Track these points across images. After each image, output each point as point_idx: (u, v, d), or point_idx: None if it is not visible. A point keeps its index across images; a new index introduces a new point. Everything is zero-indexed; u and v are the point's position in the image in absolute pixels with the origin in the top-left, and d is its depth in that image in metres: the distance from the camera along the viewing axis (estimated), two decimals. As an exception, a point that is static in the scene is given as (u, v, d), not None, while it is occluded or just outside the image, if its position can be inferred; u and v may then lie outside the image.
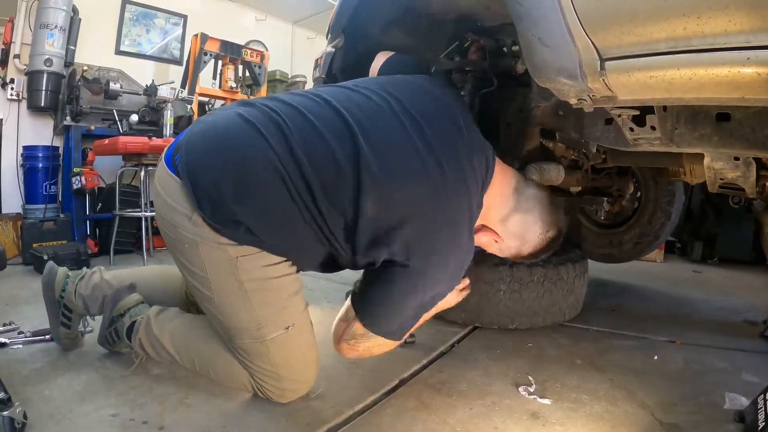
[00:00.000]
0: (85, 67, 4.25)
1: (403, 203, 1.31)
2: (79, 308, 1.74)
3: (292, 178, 1.29)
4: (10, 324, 1.97)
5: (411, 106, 1.41)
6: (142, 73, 4.97)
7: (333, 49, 2.07)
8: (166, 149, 1.47)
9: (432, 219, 1.34)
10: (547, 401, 1.54)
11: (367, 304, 1.41)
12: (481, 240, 1.56)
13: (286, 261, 1.43)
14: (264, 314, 1.40)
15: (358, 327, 1.41)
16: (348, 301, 1.47)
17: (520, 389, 1.62)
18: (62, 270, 1.78)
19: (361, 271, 1.48)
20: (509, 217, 1.53)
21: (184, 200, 1.34)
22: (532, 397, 1.58)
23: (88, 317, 1.82)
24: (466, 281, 1.67)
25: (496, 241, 1.56)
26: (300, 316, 1.49)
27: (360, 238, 1.33)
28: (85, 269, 1.82)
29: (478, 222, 1.49)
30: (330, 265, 1.48)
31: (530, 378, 1.69)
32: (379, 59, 1.83)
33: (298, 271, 1.49)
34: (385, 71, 1.76)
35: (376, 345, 1.44)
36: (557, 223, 1.60)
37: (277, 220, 1.33)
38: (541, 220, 1.55)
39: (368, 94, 1.43)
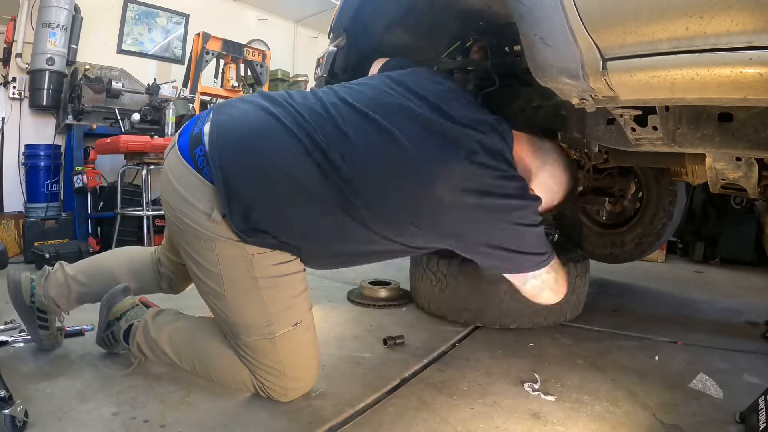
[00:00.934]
0: (87, 66, 4.26)
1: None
2: (51, 308, 1.73)
3: (334, 183, 1.31)
4: (11, 322, 1.97)
5: (422, 90, 1.44)
6: (144, 72, 4.98)
7: (335, 49, 2.07)
8: (178, 135, 1.47)
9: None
10: (551, 398, 1.55)
11: (517, 260, 1.47)
12: None
13: (296, 259, 1.45)
14: (274, 311, 1.41)
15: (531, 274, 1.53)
16: (509, 276, 1.57)
17: (525, 385, 1.63)
18: (25, 275, 1.75)
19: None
20: (539, 174, 1.54)
21: (205, 198, 1.33)
22: (536, 393, 1.58)
23: (63, 314, 1.81)
24: None
25: None
26: (307, 313, 1.50)
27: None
28: (46, 268, 1.79)
29: None
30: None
31: (536, 375, 1.70)
32: (377, 65, 1.85)
33: (304, 270, 1.51)
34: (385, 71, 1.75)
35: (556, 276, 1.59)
36: (574, 170, 1.68)
37: (313, 230, 1.38)
38: (565, 168, 1.59)
39: (384, 88, 1.45)
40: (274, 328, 1.42)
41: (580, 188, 2.58)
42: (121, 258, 1.88)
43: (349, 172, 1.31)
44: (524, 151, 1.52)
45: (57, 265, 1.80)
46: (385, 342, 1.95)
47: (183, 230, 1.40)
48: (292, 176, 1.31)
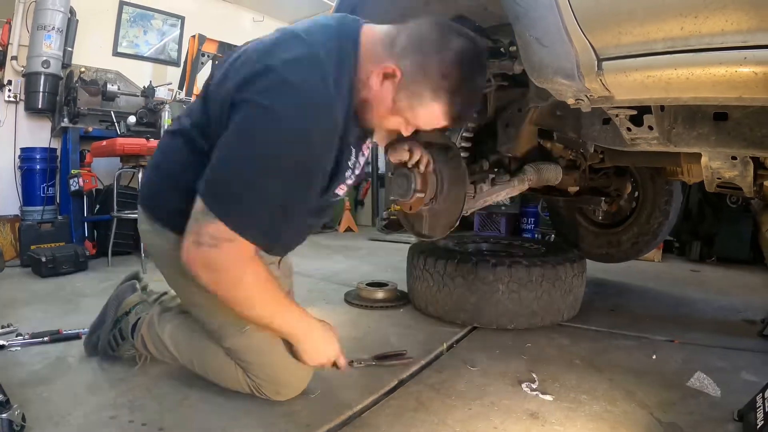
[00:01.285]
0: (83, 69, 4.25)
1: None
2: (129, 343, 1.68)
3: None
4: (8, 326, 1.97)
5: None
6: (140, 74, 4.97)
7: (330, 50, 2.07)
8: None
9: None
10: (549, 397, 1.55)
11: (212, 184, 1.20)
12: (378, 92, 1.28)
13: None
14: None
15: (197, 208, 1.19)
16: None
17: (523, 385, 1.63)
18: (133, 297, 1.75)
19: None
20: (396, 40, 1.28)
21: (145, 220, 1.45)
22: (534, 393, 1.58)
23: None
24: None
25: (391, 76, 1.26)
26: None
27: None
28: (156, 305, 1.70)
29: (365, 72, 1.27)
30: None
31: (534, 375, 1.70)
32: None
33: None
34: None
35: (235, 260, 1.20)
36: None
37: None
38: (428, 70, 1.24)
39: None
40: (243, 323, 1.40)
41: (576, 188, 2.59)
42: None
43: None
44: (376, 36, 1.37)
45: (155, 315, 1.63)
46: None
47: (159, 258, 1.50)
48: None
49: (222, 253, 1.16)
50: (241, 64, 1.23)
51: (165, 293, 1.81)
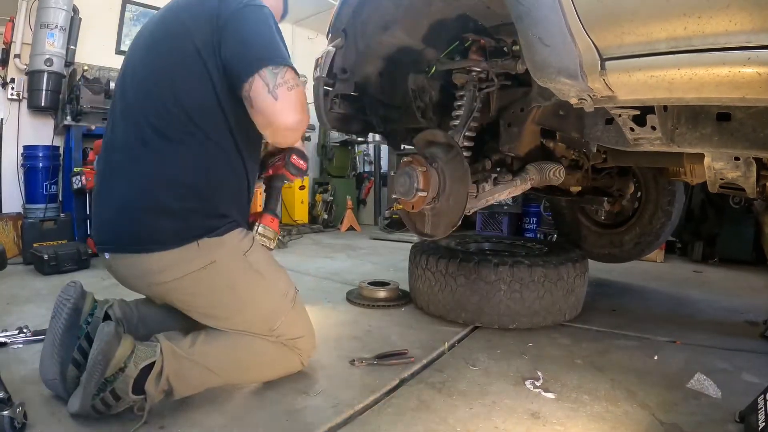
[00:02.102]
0: (86, 67, 4.25)
1: None
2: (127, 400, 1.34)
3: None
4: (25, 328, 1.94)
5: None
6: (143, 72, 4.97)
7: (334, 49, 2.07)
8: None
9: None
10: (551, 395, 1.56)
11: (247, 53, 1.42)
12: None
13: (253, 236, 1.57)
14: (282, 287, 1.59)
15: (266, 74, 1.38)
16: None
17: (527, 383, 1.64)
18: (123, 348, 1.33)
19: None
20: None
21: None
22: (537, 390, 1.59)
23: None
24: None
25: None
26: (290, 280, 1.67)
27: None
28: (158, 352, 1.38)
29: None
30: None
31: (538, 372, 1.71)
32: None
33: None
34: None
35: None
36: None
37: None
38: None
39: None
40: (287, 305, 1.57)
41: (579, 188, 2.59)
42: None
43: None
44: None
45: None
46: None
47: (182, 286, 1.44)
48: None
49: (302, 90, 1.43)
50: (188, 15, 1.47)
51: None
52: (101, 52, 4.75)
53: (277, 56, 1.39)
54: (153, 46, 1.50)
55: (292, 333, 1.59)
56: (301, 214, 6.23)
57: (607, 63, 1.16)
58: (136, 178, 1.41)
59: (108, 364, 1.30)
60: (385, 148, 6.61)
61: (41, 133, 4.32)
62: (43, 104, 4.08)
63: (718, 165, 1.60)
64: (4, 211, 4.10)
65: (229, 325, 1.51)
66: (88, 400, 1.29)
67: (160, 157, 1.40)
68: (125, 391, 1.31)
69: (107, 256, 1.48)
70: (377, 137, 5.09)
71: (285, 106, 1.37)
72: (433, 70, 2.13)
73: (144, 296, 1.63)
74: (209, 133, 1.43)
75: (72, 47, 4.22)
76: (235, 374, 1.53)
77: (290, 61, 1.41)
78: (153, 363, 1.34)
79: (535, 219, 4.94)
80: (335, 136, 6.61)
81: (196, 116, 1.41)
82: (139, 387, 1.32)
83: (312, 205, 6.55)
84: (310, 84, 2.23)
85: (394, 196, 1.92)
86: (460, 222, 1.81)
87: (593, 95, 1.28)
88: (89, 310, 1.46)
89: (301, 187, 6.15)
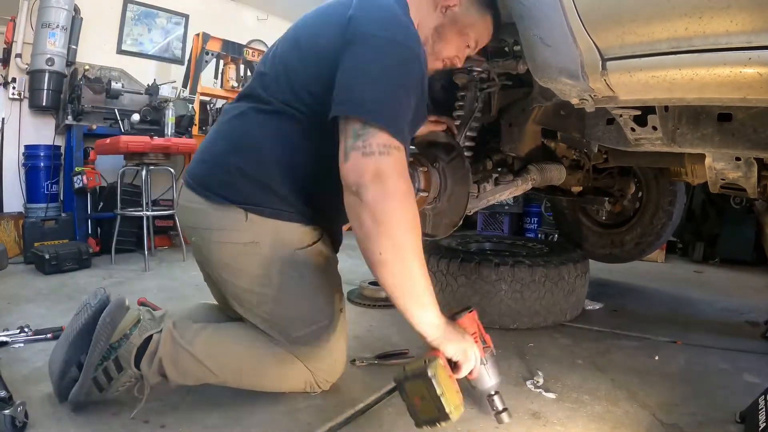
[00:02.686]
0: (87, 67, 4.26)
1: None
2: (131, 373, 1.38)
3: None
4: (26, 327, 1.95)
5: None
6: (144, 72, 4.97)
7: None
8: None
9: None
10: (552, 395, 1.56)
11: (343, 96, 1.23)
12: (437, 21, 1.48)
13: (320, 241, 1.49)
14: (321, 300, 1.48)
15: (354, 125, 1.18)
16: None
17: (528, 383, 1.64)
18: (129, 318, 1.39)
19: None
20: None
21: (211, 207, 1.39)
22: (537, 390, 1.60)
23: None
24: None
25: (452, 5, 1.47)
26: (342, 302, 1.58)
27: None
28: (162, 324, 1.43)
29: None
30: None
31: (539, 371, 1.71)
32: None
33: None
34: None
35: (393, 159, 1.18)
36: None
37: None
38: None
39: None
40: (321, 318, 1.47)
41: (580, 188, 2.58)
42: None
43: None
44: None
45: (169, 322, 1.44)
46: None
47: (221, 252, 1.41)
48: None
49: (392, 160, 1.16)
50: (325, 22, 1.38)
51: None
52: (102, 51, 4.75)
53: (378, 113, 1.17)
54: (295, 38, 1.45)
55: (311, 356, 1.47)
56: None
57: (608, 63, 1.16)
58: (230, 135, 1.45)
59: (115, 327, 1.34)
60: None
61: (42, 132, 4.32)
62: (44, 104, 4.09)
63: (719, 165, 1.60)
64: (5, 210, 4.10)
65: (249, 316, 1.46)
66: (91, 372, 1.32)
67: (256, 121, 1.41)
68: (128, 360, 1.34)
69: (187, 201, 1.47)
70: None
71: (359, 172, 1.15)
72: None
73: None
74: (311, 122, 1.36)
75: (73, 47, 4.22)
76: (231, 378, 1.45)
77: (394, 123, 1.18)
78: (152, 337, 1.38)
79: (536, 219, 4.94)
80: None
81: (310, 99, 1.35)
82: (139, 360, 1.35)
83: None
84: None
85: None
86: (461, 222, 1.81)
87: (594, 95, 1.28)
88: (128, 329, 1.38)
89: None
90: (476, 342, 1.31)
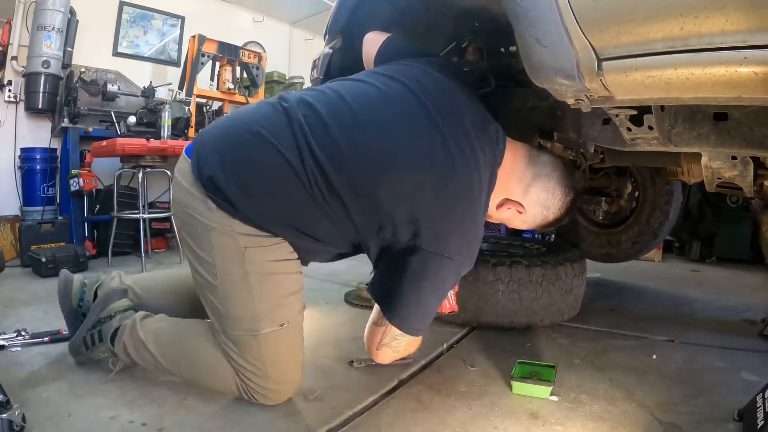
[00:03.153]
0: (83, 69, 4.25)
1: (412, 188, 1.36)
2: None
3: (305, 165, 1.34)
4: (23, 331, 1.94)
5: (418, 89, 1.45)
6: (140, 74, 4.97)
7: (331, 50, 2.07)
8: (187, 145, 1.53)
9: (442, 203, 1.38)
10: (554, 397, 1.56)
11: (397, 306, 1.44)
12: (504, 215, 1.59)
13: (295, 259, 1.47)
14: (262, 307, 1.42)
15: (394, 330, 1.49)
16: (377, 306, 1.54)
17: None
18: (77, 278, 1.76)
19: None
20: (531, 186, 1.54)
21: (198, 185, 1.39)
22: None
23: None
24: None
25: (519, 212, 1.57)
26: (296, 316, 1.50)
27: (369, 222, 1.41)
28: (100, 276, 1.79)
29: (499, 197, 1.55)
30: (346, 251, 1.60)
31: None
32: (374, 41, 1.80)
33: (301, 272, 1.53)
34: (383, 57, 1.74)
35: (411, 342, 1.62)
36: (574, 184, 1.61)
37: (277, 196, 1.38)
38: (560, 183, 1.56)
39: (376, 83, 1.48)
40: (261, 325, 1.41)
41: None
42: (180, 276, 1.85)
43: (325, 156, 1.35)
44: (519, 161, 1.54)
45: (114, 273, 1.78)
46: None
47: (189, 224, 1.44)
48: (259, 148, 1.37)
49: (401, 349, 1.63)
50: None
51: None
52: (98, 54, 4.75)
53: (404, 323, 1.47)
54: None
55: (243, 356, 1.43)
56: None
57: (604, 63, 1.16)
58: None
59: (106, 306, 1.65)
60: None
61: (38, 135, 4.31)
62: (40, 106, 4.08)
63: (715, 164, 1.60)
64: (1, 213, 4.09)
65: (200, 295, 1.51)
66: (84, 331, 1.65)
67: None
68: (106, 335, 1.61)
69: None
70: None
71: (378, 354, 1.60)
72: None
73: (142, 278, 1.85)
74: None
75: (69, 49, 4.22)
76: (173, 368, 1.53)
77: (417, 331, 1.51)
78: (121, 326, 1.60)
79: (533, 219, 4.92)
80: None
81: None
82: (113, 339, 1.59)
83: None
84: (307, 86, 2.22)
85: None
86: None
87: (590, 95, 1.28)
88: (78, 294, 1.73)
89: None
90: None
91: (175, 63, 5.40)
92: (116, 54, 4.97)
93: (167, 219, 4.18)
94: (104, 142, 3.72)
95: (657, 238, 2.92)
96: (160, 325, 1.59)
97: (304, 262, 1.56)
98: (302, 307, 1.53)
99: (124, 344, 1.57)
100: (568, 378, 1.70)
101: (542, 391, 1.55)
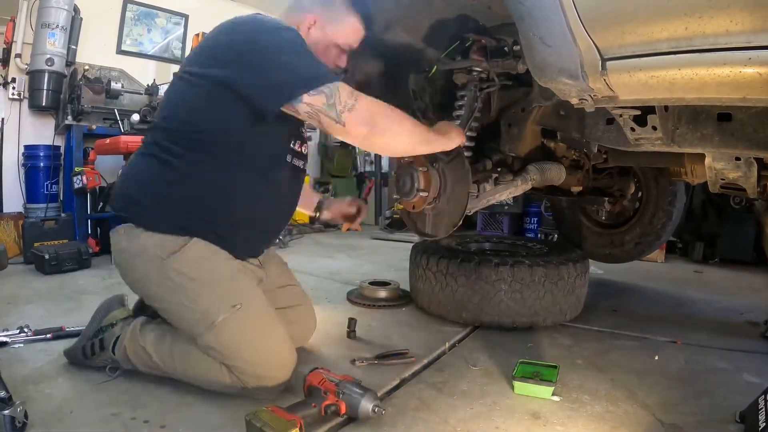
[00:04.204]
0: (87, 67, 4.25)
1: None
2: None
3: None
4: (26, 327, 1.94)
5: None
6: (144, 72, 4.97)
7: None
8: None
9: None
10: (556, 398, 1.55)
11: (283, 82, 1.46)
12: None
13: (216, 248, 1.54)
14: (204, 300, 1.48)
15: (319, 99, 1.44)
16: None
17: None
18: (121, 311, 1.71)
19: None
20: None
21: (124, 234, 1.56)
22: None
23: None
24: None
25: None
26: (249, 294, 1.56)
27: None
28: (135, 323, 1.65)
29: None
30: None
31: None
32: None
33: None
34: None
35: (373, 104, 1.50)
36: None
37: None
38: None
39: None
40: (212, 316, 1.46)
41: (580, 188, 2.58)
42: None
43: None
44: None
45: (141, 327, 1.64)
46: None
47: (127, 271, 1.61)
48: None
49: (365, 101, 1.47)
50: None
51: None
52: (102, 52, 4.75)
53: (319, 82, 1.45)
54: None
55: (222, 354, 1.47)
56: (302, 214, 6.22)
57: (608, 63, 1.16)
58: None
59: (107, 314, 1.69)
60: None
61: (42, 132, 4.32)
62: (44, 104, 4.08)
63: (718, 165, 1.60)
64: (5, 210, 4.10)
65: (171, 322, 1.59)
66: (83, 340, 1.66)
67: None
68: (108, 343, 1.62)
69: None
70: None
71: (354, 125, 1.47)
72: (434, 70, 2.12)
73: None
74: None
75: (73, 47, 4.22)
76: (170, 370, 1.55)
77: (323, 77, 1.47)
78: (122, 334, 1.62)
79: (535, 219, 4.94)
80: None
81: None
82: (115, 346, 1.61)
83: (313, 205, 6.53)
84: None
85: (395, 196, 1.92)
86: (461, 222, 1.81)
87: (594, 95, 1.28)
88: (116, 319, 1.69)
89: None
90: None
91: (178, 61, 5.40)
92: (120, 52, 4.97)
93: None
94: (108, 140, 3.72)
95: (660, 238, 2.92)
96: (158, 331, 1.61)
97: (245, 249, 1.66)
98: (254, 285, 1.59)
99: (125, 349, 1.59)
100: (570, 378, 1.70)
101: (544, 391, 1.55)
